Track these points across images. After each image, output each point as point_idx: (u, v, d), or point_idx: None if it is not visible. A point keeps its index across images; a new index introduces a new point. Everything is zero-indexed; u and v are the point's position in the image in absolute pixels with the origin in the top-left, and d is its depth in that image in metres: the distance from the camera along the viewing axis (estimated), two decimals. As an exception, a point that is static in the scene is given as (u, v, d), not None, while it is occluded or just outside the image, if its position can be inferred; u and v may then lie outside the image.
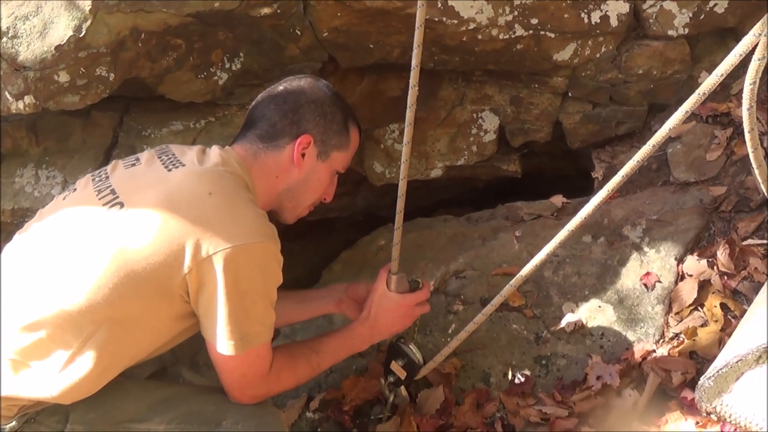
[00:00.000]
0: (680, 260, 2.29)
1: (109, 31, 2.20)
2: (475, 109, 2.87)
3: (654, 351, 2.13)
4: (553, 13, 2.49)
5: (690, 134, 2.63)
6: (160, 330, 1.70)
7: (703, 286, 2.19)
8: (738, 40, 1.47)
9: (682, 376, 2.02)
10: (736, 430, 1.69)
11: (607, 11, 2.53)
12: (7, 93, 2.21)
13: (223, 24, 2.37)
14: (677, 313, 2.19)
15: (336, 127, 1.90)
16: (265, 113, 1.87)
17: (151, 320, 1.66)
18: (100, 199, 1.70)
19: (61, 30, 2.15)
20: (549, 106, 2.86)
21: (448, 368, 2.27)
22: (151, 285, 1.60)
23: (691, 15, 2.59)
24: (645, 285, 2.27)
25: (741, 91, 1.68)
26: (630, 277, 2.31)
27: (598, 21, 2.53)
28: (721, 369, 1.62)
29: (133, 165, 1.81)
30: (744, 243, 2.23)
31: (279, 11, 2.32)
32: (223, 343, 1.64)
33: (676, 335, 2.15)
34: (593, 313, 2.28)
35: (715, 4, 2.57)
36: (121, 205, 1.66)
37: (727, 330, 2.07)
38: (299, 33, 2.43)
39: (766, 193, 1.93)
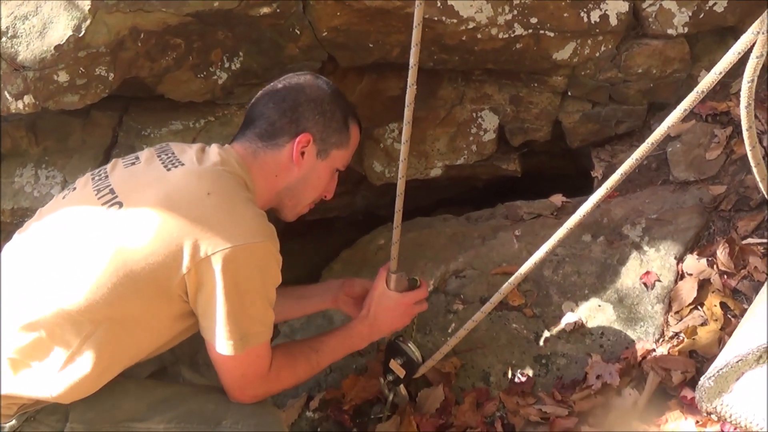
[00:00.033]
0: (680, 259, 2.29)
1: (109, 31, 2.20)
2: (475, 108, 2.87)
3: (654, 350, 2.13)
4: (553, 13, 2.49)
5: (690, 133, 2.63)
6: (159, 330, 1.70)
7: (703, 285, 2.20)
8: (737, 38, 1.47)
9: (682, 375, 2.02)
10: (736, 429, 1.69)
11: (606, 10, 2.53)
12: (6, 93, 2.21)
13: (222, 23, 2.37)
14: (677, 312, 2.19)
15: (336, 125, 1.89)
16: (264, 112, 1.87)
17: (151, 320, 1.66)
18: (99, 198, 1.70)
19: (61, 30, 2.15)
20: (548, 105, 2.86)
21: (447, 367, 2.27)
22: (150, 285, 1.59)
23: (690, 14, 2.59)
24: (645, 284, 2.27)
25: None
26: (630, 276, 2.31)
27: (598, 20, 2.53)
28: (721, 369, 1.61)
29: (133, 164, 1.81)
30: (744, 242, 2.23)
31: (278, 11, 2.32)
32: (222, 343, 1.64)
33: (676, 334, 2.15)
34: (593, 312, 2.28)
35: (715, 3, 2.57)
36: (120, 204, 1.66)
37: (726, 329, 2.07)
38: (299, 32, 2.43)
39: (764, 191, 1.93)
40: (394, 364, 2.13)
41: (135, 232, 1.60)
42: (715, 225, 2.34)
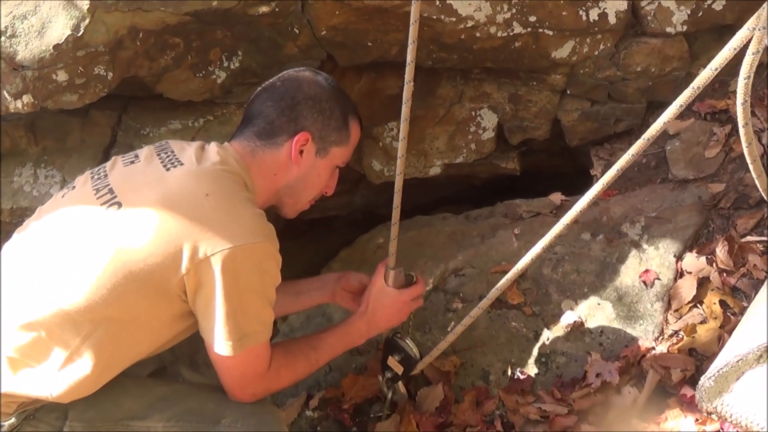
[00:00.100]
0: (679, 257, 2.29)
1: (108, 30, 2.20)
2: (474, 106, 2.87)
3: (653, 348, 2.13)
4: (552, 11, 2.49)
5: (689, 131, 2.63)
6: (159, 330, 1.70)
7: (702, 283, 2.20)
8: (737, 37, 1.47)
9: (682, 373, 2.02)
10: (736, 429, 1.69)
11: (605, 9, 2.53)
12: (5, 92, 2.21)
13: (221, 23, 2.37)
14: (676, 311, 2.19)
15: (335, 123, 1.88)
16: (263, 110, 1.86)
17: (150, 320, 1.66)
18: (98, 198, 1.70)
19: (60, 29, 2.15)
20: (547, 104, 2.86)
21: (447, 366, 2.27)
22: (149, 285, 1.59)
23: (689, 12, 2.59)
24: (644, 282, 2.27)
25: (740, 87, 1.68)
26: (629, 274, 2.31)
27: (597, 18, 2.53)
28: (721, 368, 1.61)
29: (132, 162, 1.80)
30: (743, 240, 2.23)
31: (277, 10, 2.32)
32: (221, 344, 1.64)
33: (676, 332, 2.15)
34: (592, 310, 2.28)
35: (713, 2, 2.57)
36: (119, 204, 1.66)
37: (726, 327, 2.07)
38: (297, 31, 2.43)
39: (760, 188, 1.93)
40: (392, 361, 2.13)
41: (134, 233, 1.60)
42: (714, 223, 2.34)
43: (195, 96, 2.53)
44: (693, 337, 2.09)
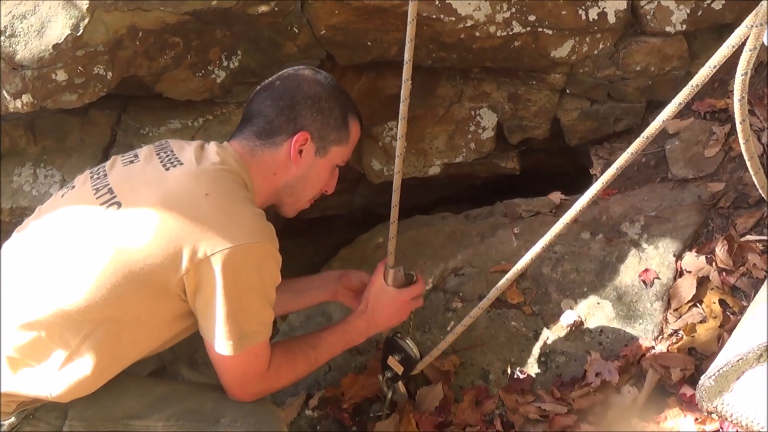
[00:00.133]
0: (679, 257, 2.29)
1: (107, 30, 2.20)
2: (473, 106, 2.87)
3: (653, 347, 2.13)
4: (551, 10, 2.49)
5: (688, 131, 2.63)
6: (158, 330, 1.70)
7: (702, 282, 2.20)
8: (736, 36, 1.48)
9: (681, 372, 2.02)
10: (736, 428, 1.69)
11: (604, 8, 2.53)
12: (4, 92, 2.21)
13: (220, 22, 2.37)
14: (676, 310, 2.19)
15: (334, 122, 1.88)
16: (262, 109, 1.85)
17: (150, 320, 1.66)
18: (97, 198, 1.70)
19: (59, 29, 2.15)
20: (547, 103, 2.86)
21: (447, 365, 2.27)
22: (149, 285, 1.59)
23: (688, 11, 2.59)
24: (643, 281, 2.27)
25: (739, 85, 1.69)
26: (628, 273, 2.31)
27: (596, 18, 2.53)
28: (722, 368, 1.61)
29: (132, 162, 1.80)
30: (742, 239, 2.23)
31: (276, 9, 2.32)
32: (221, 343, 1.64)
33: (675, 332, 2.15)
34: (592, 309, 2.28)
35: (713, 1, 2.57)
36: (119, 204, 1.66)
37: (725, 326, 2.07)
38: (297, 31, 2.43)
39: (758, 185, 1.93)
40: (392, 361, 2.13)
41: (134, 233, 1.60)
42: (713, 222, 2.34)
43: (194, 95, 2.53)
44: (692, 336, 2.09)
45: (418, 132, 2.86)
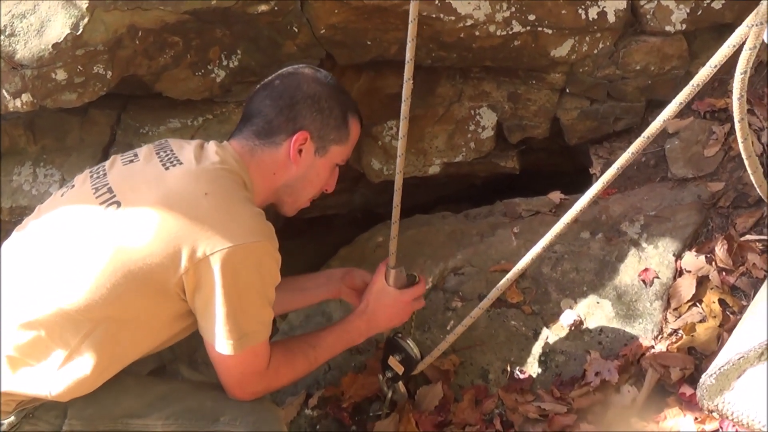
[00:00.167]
0: (678, 256, 2.29)
1: (107, 29, 2.20)
2: (473, 105, 2.87)
3: (652, 347, 2.13)
4: (551, 10, 2.49)
5: (688, 130, 2.63)
6: (158, 329, 1.70)
7: (702, 281, 2.20)
8: (736, 35, 1.48)
9: (681, 371, 2.02)
10: (736, 427, 1.69)
11: (604, 7, 2.53)
12: (4, 91, 2.21)
13: (220, 21, 2.37)
14: (675, 309, 2.19)
15: (334, 122, 1.87)
16: (261, 109, 1.85)
17: (150, 320, 1.66)
18: (97, 197, 1.70)
19: (59, 28, 2.15)
20: (547, 103, 2.86)
21: (446, 365, 2.27)
22: (149, 285, 1.59)
23: (688, 11, 2.59)
24: (643, 281, 2.27)
25: (739, 84, 1.69)
26: (628, 273, 2.31)
27: (596, 17, 2.53)
28: (723, 366, 1.61)
29: (131, 161, 1.80)
30: (742, 239, 2.23)
31: (276, 8, 2.32)
32: (221, 343, 1.63)
33: (675, 331, 2.15)
34: (592, 309, 2.28)
35: (713, 0, 2.57)
36: (118, 204, 1.66)
37: (725, 326, 2.07)
38: (296, 30, 2.43)
39: (756, 184, 1.93)
40: (393, 361, 2.13)
41: (133, 233, 1.60)
42: (713, 222, 2.34)
43: (194, 95, 2.53)
44: (692, 335, 2.09)
45: (417, 131, 2.86)
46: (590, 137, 2.93)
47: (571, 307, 2.30)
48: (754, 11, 1.44)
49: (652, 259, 2.31)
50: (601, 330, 2.23)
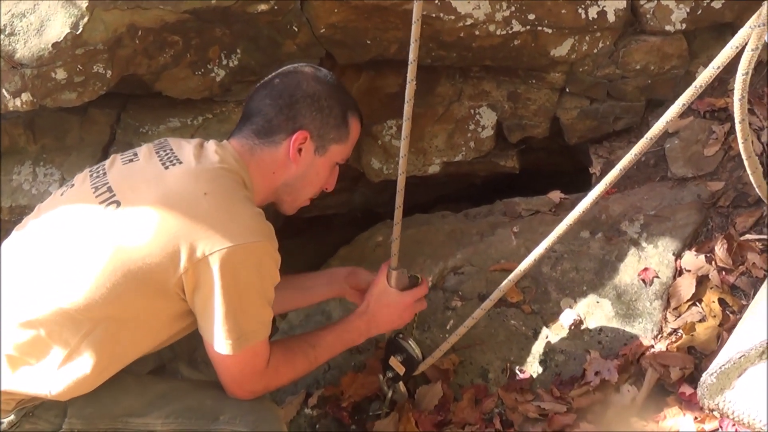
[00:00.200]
0: (678, 255, 2.29)
1: (106, 28, 2.20)
2: (473, 105, 2.87)
3: (652, 346, 2.13)
4: (551, 9, 2.49)
5: (688, 130, 2.63)
6: (158, 328, 1.70)
7: (701, 281, 2.20)
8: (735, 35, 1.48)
9: (681, 371, 2.02)
10: (736, 426, 1.69)
11: (604, 7, 2.53)
12: (4, 90, 2.21)
13: (220, 20, 2.37)
14: (675, 309, 2.19)
15: (334, 121, 1.86)
16: (261, 108, 1.85)
17: (149, 319, 1.66)
18: (97, 197, 1.70)
19: (58, 27, 2.15)
20: (546, 102, 2.86)
21: (446, 364, 2.27)
22: (148, 284, 1.59)
23: (688, 10, 2.59)
24: (643, 280, 2.27)
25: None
26: (628, 272, 2.31)
27: (596, 16, 2.53)
28: (723, 365, 1.61)
29: (131, 160, 1.80)
30: (742, 238, 2.23)
31: (276, 8, 2.32)
32: (220, 342, 1.63)
33: (674, 330, 2.15)
34: (591, 308, 2.28)
35: (712, 0, 2.57)
36: (118, 203, 1.66)
37: (725, 325, 2.07)
38: (296, 29, 2.43)
39: (755, 184, 1.93)
40: (394, 361, 2.13)
41: (133, 232, 1.60)
42: (713, 221, 2.34)
43: (194, 94, 2.53)
44: (692, 335, 2.09)
45: (417, 131, 2.86)
46: (590, 137, 2.93)
47: (570, 307, 2.30)
48: (757, 13, 1.44)
49: (651, 259, 2.31)
50: (601, 329, 2.23)
